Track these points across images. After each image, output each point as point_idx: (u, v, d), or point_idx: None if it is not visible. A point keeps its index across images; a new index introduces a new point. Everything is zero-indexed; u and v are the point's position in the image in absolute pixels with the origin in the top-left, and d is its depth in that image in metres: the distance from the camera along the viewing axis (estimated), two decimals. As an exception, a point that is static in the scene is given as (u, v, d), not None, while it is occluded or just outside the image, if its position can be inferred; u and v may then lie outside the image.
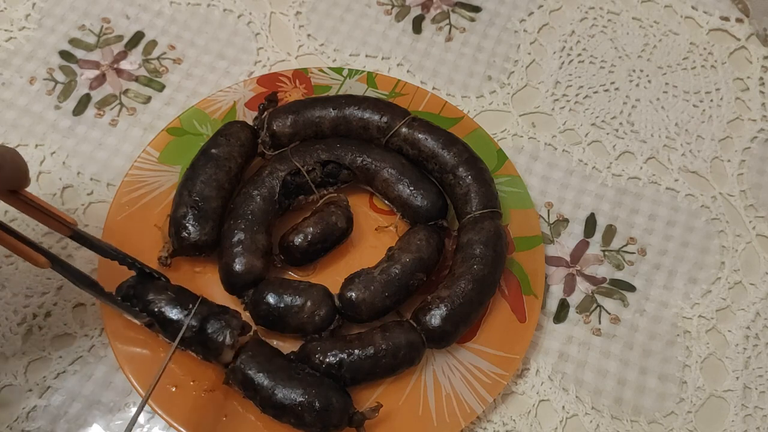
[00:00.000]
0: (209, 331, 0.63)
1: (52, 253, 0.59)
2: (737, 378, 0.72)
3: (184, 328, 0.62)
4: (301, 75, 0.81)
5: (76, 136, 0.79)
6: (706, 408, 0.71)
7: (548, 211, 0.79)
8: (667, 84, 0.87)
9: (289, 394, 0.60)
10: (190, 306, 0.64)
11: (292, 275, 0.72)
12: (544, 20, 0.90)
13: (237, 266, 0.66)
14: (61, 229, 0.59)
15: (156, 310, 0.63)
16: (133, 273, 0.66)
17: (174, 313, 0.63)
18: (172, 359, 0.65)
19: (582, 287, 0.75)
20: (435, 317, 0.65)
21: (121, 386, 0.67)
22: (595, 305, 0.74)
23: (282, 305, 0.65)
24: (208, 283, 0.70)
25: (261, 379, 0.61)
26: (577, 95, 0.86)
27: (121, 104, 0.81)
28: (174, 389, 0.64)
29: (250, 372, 0.61)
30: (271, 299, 0.65)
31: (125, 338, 0.66)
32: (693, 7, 0.92)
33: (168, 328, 0.63)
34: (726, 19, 0.92)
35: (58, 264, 0.58)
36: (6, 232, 0.56)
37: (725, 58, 0.90)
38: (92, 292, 0.61)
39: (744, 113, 0.86)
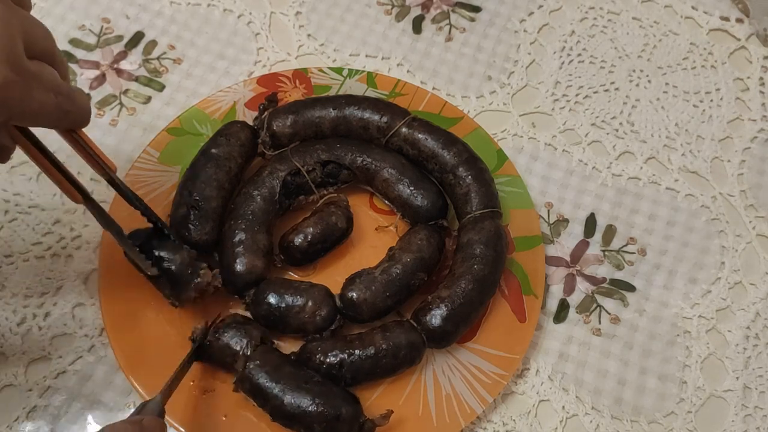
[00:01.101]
0: (227, 340, 0.63)
1: (86, 191, 0.62)
2: (737, 378, 0.72)
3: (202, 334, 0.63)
4: (301, 75, 0.81)
5: (76, 136, 0.79)
6: (706, 408, 0.71)
7: (548, 211, 0.79)
8: (667, 84, 0.87)
9: (298, 405, 0.60)
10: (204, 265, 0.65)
11: (293, 275, 0.72)
12: (544, 20, 0.91)
13: (238, 266, 0.66)
14: (101, 171, 0.63)
15: (169, 267, 0.64)
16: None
17: (185, 276, 0.64)
18: (172, 360, 0.65)
19: (582, 287, 0.75)
20: (435, 317, 0.65)
21: (121, 386, 0.67)
22: (595, 305, 0.74)
23: (283, 305, 0.65)
24: (209, 283, 0.70)
25: (270, 388, 0.61)
26: (577, 95, 0.86)
27: (121, 104, 0.81)
28: (174, 389, 0.64)
29: (259, 381, 0.61)
30: (272, 299, 0.65)
31: (125, 338, 0.66)
32: (693, 7, 0.93)
33: (178, 287, 0.64)
34: (726, 19, 0.92)
35: (89, 202, 0.62)
36: (52, 163, 0.59)
37: (725, 58, 0.90)
38: (114, 234, 0.63)
39: (744, 113, 0.86)
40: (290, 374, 0.62)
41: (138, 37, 0.85)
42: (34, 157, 0.59)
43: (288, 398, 0.60)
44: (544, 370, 0.71)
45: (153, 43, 0.85)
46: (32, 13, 0.84)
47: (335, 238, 0.71)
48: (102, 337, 0.69)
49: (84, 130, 0.79)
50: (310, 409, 0.60)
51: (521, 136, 0.83)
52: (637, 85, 0.87)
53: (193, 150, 0.73)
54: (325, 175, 0.74)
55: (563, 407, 0.69)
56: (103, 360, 0.68)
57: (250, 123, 0.76)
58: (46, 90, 0.50)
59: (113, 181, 0.64)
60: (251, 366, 0.62)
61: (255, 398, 0.62)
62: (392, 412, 0.62)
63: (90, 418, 0.66)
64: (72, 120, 0.56)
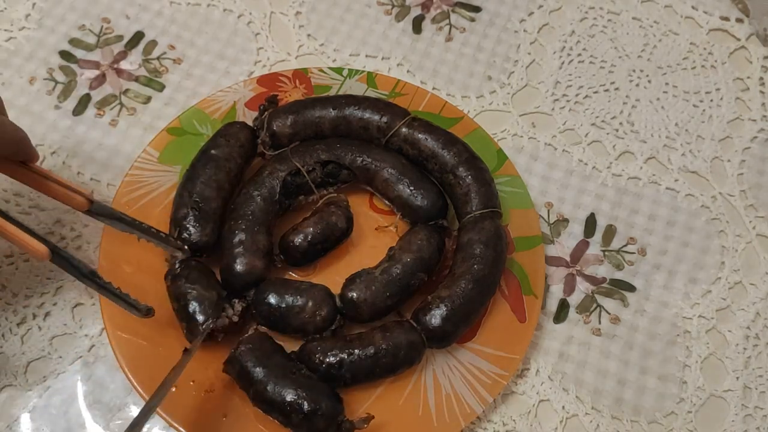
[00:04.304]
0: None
1: (53, 243, 0.58)
2: (737, 378, 0.72)
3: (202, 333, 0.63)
4: (301, 75, 0.81)
5: (76, 136, 0.79)
6: (706, 408, 0.71)
7: (548, 211, 0.79)
8: (667, 84, 0.87)
9: (279, 392, 0.61)
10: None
11: (293, 275, 0.72)
12: (544, 20, 0.90)
13: (238, 267, 0.66)
14: (77, 203, 0.57)
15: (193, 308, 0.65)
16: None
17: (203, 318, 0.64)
18: (171, 360, 0.65)
19: (582, 287, 0.75)
20: (435, 317, 0.65)
21: (121, 386, 0.67)
22: (595, 305, 0.74)
23: (283, 305, 0.65)
24: (209, 283, 0.69)
25: (256, 373, 0.61)
26: (577, 95, 0.86)
27: (121, 104, 0.81)
28: (174, 389, 0.64)
29: (247, 364, 0.62)
30: (272, 299, 0.65)
31: (125, 338, 0.66)
32: (693, 7, 0.92)
33: (194, 329, 0.64)
34: (726, 19, 0.92)
35: (58, 255, 0.58)
36: (5, 219, 0.55)
37: (725, 58, 0.90)
38: (92, 285, 0.62)
39: (744, 113, 0.86)
40: (279, 363, 0.62)
41: (138, 37, 0.85)
42: None
43: (271, 385, 0.61)
44: (544, 370, 0.71)
45: (153, 43, 0.85)
46: (32, 13, 0.85)
47: (335, 238, 0.71)
48: (102, 337, 0.69)
49: (84, 130, 0.79)
50: (290, 398, 0.60)
51: (521, 136, 0.83)
52: (637, 85, 0.87)
53: (193, 150, 0.73)
54: (325, 175, 0.74)
55: (563, 407, 0.69)
56: (103, 360, 0.68)
57: (250, 123, 0.76)
58: None
59: (98, 209, 0.59)
60: (243, 348, 0.62)
61: (240, 380, 0.63)
62: (373, 417, 0.62)
63: (90, 418, 0.66)
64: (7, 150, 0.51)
